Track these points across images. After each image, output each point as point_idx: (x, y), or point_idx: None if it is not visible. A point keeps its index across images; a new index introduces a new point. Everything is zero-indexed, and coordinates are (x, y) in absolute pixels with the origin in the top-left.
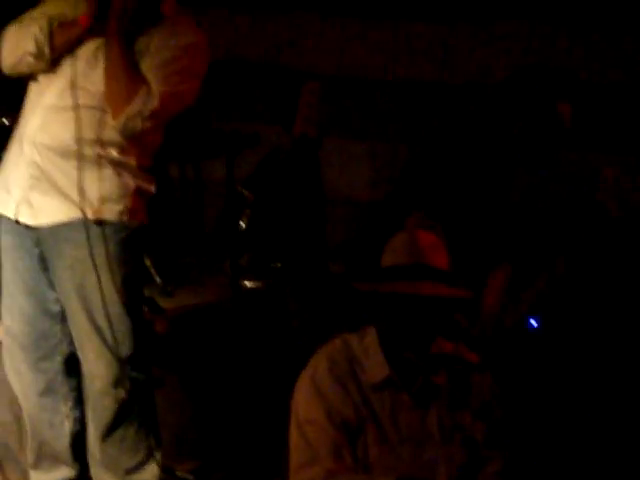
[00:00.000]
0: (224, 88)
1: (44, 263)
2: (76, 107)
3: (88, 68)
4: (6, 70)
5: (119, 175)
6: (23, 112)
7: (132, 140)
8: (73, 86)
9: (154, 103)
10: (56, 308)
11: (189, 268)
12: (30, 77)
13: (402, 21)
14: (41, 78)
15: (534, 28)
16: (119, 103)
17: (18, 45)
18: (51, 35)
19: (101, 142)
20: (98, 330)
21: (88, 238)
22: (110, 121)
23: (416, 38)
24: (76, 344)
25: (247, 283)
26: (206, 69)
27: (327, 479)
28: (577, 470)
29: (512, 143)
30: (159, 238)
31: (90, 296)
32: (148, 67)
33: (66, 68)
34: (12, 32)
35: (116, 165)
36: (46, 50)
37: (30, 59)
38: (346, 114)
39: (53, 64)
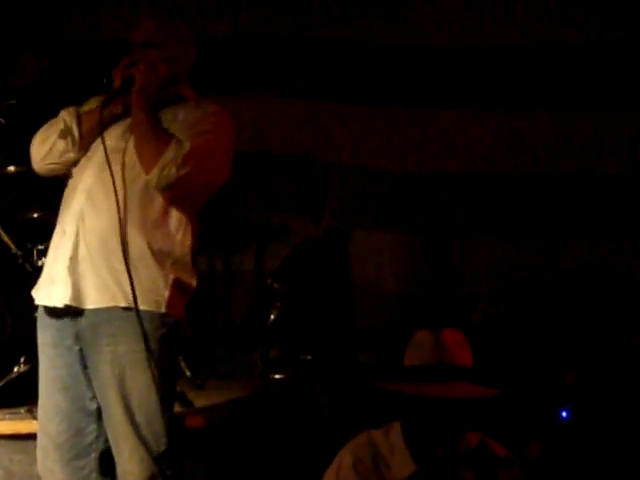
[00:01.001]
0: (253, 179)
1: (83, 360)
2: (115, 188)
3: (119, 143)
4: (37, 166)
5: (160, 265)
6: (63, 202)
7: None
8: (108, 164)
9: (186, 147)
10: (93, 405)
11: (219, 361)
12: (64, 177)
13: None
14: (76, 170)
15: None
16: (151, 156)
17: (48, 137)
18: (79, 119)
19: (144, 227)
20: (135, 426)
21: (128, 332)
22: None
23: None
24: (111, 441)
25: (277, 376)
26: (234, 144)
27: None
28: None
29: None
30: (188, 331)
31: (129, 392)
32: (176, 129)
33: (99, 152)
34: (42, 129)
35: (157, 254)
36: (75, 133)
37: (60, 146)
38: (373, 205)
39: (84, 150)
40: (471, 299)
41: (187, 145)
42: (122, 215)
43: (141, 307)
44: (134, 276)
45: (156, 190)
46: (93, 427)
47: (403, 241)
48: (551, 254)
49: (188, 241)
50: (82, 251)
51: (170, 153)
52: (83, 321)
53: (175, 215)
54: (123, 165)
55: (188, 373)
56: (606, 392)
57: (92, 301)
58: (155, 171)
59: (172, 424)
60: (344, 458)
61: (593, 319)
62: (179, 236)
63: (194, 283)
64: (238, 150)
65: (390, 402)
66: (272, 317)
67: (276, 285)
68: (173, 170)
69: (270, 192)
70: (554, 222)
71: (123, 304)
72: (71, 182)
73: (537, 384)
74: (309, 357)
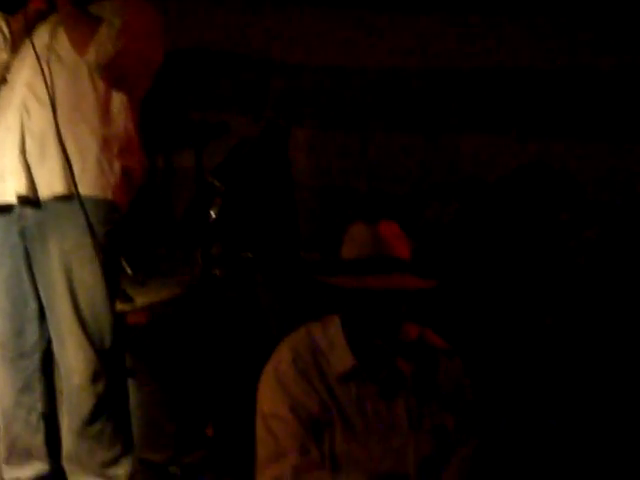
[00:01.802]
0: (193, 77)
1: (28, 259)
2: (52, 79)
3: (50, 38)
4: None
5: (107, 151)
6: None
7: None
8: (42, 59)
9: (117, 23)
10: (35, 305)
11: (159, 258)
12: None
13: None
14: (11, 73)
15: None
16: (84, 38)
17: None
18: (7, 21)
19: (87, 115)
20: (81, 323)
21: (75, 225)
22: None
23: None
24: (55, 339)
25: (218, 273)
26: (162, 27)
27: (294, 477)
28: (550, 457)
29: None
30: (129, 228)
31: (76, 288)
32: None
33: (31, 49)
34: None
35: (103, 141)
36: (5, 31)
37: None
38: (315, 103)
39: (15, 52)
40: (425, 196)
41: (118, 21)
42: (64, 104)
43: (89, 193)
44: (81, 164)
45: (96, 72)
46: (36, 327)
47: (343, 138)
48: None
49: (132, 128)
50: (29, 143)
51: (103, 30)
52: (30, 217)
53: (117, 100)
54: (58, 57)
55: (129, 271)
56: (543, 288)
57: (46, 189)
58: (91, 50)
59: (115, 321)
60: (283, 353)
61: (533, 218)
62: (122, 122)
63: (142, 173)
64: (178, 47)
65: (330, 297)
66: (212, 214)
67: (216, 182)
68: (109, 46)
69: (211, 90)
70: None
71: (70, 192)
72: (8, 83)
73: (480, 278)
74: (250, 254)
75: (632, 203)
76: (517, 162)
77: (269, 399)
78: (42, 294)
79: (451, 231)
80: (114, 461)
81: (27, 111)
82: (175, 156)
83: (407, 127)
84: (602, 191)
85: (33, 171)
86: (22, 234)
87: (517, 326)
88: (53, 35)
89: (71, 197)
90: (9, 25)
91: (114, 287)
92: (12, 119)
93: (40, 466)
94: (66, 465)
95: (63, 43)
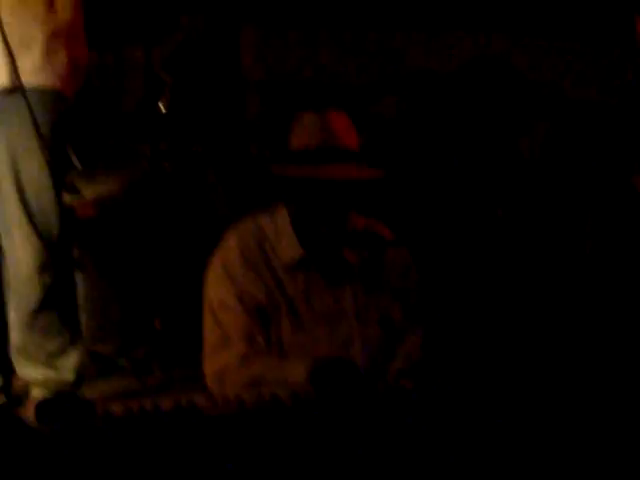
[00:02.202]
0: None
1: None
2: None
3: None
4: None
5: (50, 40)
6: None
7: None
8: None
9: None
10: None
11: (109, 151)
12: None
13: None
14: None
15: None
16: None
17: None
18: None
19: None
20: (28, 214)
21: (21, 114)
22: None
23: None
24: (3, 231)
25: (167, 166)
26: None
27: (241, 365)
28: (495, 345)
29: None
30: (78, 121)
31: (23, 179)
32: None
33: None
34: None
35: (50, 33)
36: None
37: None
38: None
39: None
40: (374, 89)
41: None
42: None
43: (34, 83)
44: (26, 54)
45: None
46: None
47: (292, 35)
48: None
49: (78, 17)
50: None
51: None
52: None
53: None
54: None
55: (77, 163)
56: (493, 180)
57: None
58: None
59: (63, 213)
60: (230, 242)
61: (482, 113)
62: (68, 11)
63: (86, 62)
64: None
65: (278, 187)
66: (162, 108)
67: (165, 76)
68: None
69: None
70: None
71: (14, 85)
72: None
73: (428, 171)
74: (199, 148)
75: (583, 99)
76: (467, 57)
77: (216, 288)
78: None
79: (399, 124)
80: (62, 351)
81: None
82: (125, 51)
83: (357, 24)
84: (556, 87)
85: None
86: None
87: (467, 217)
88: None
89: (16, 90)
90: None
91: (61, 179)
92: None
93: None
94: (14, 358)
95: None
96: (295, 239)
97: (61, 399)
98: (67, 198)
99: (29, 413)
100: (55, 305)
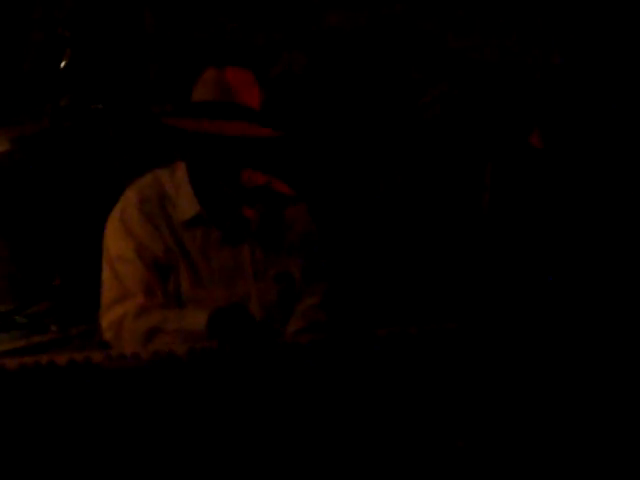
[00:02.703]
0: None
1: None
2: None
3: None
4: None
5: None
6: None
7: None
8: None
9: None
10: None
11: (5, 110)
12: None
13: None
14: None
15: None
16: None
17: None
18: None
19: None
20: None
21: None
22: None
23: None
24: None
25: (68, 124)
26: None
27: (139, 315)
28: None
29: None
30: None
31: None
32: None
33: None
34: None
35: None
36: None
37: None
38: None
39: None
40: (277, 46)
41: None
42: None
43: None
44: None
45: None
46: None
47: None
48: None
49: None
50: None
51: None
52: None
53: None
54: None
55: None
56: (394, 141)
57: None
58: None
59: None
60: (129, 196)
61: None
62: None
63: None
64: None
65: (177, 142)
66: (62, 64)
67: (65, 32)
68: None
69: None
70: None
71: None
72: None
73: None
74: (100, 106)
75: (486, 57)
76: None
77: (115, 242)
78: None
79: (302, 83)
80: None
81: None
82: (23, 5)
83: None
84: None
85: None
86: None
87: (365, 178)
88: None
89: None
90: None
91: None
92: None
93: None
94: None
95: None
96: (193, 195)
97: None
98: None
99: None
100: None
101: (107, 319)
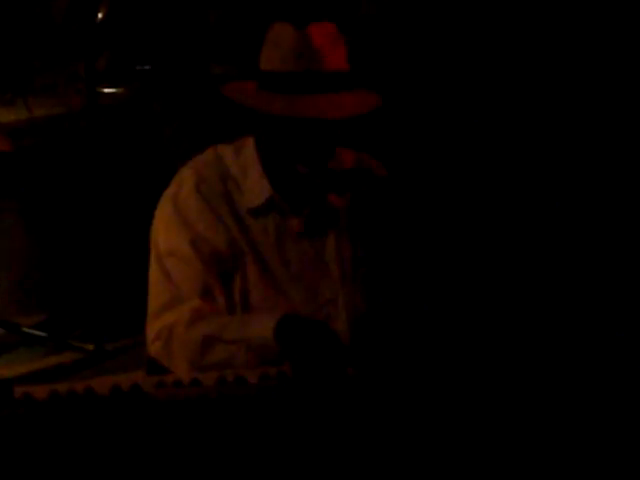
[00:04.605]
0: None
1: None
2: None
3: None
4: None
5: None
6: None
7: None
8: None
9: None
10: None
11: (33, 72)
12: None
13: None
14: None
15: None
16: None
17: None
18: None
19: None
20: None
21: None
22: None
23: None
24: None
25: (107, 90)
26: None
27: (193, 321)
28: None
29: None
30: None
31: None
32: None
33: None
34: None
35: None
36: None
37: None
38: None
39: None
40: None
41: None
42: None
43: None
44: None
45: None
46: None
47: None
48: None
49: None
50: None
51: None
52: None
53: None
54: None
55: None
56: None
57: None
58: None
59: None
60: (185, 177)
61: None
62: None
63: None
64: None
65: (246, 118)
66: (100, 15)
67: None
68: None
69: None
70: None
71: None
72: None
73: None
74: (147, 67)
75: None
76: None
77: (166, 233)
78: None
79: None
80: None
81: None
82: None
83: None
84: None
85: None
86: None
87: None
88: None
89: None
90: None
91: None
92: None
93: None
94: None
95: None
96: (264, 177)
97: None
98: None
99: None
100: None
101: (154, 328)
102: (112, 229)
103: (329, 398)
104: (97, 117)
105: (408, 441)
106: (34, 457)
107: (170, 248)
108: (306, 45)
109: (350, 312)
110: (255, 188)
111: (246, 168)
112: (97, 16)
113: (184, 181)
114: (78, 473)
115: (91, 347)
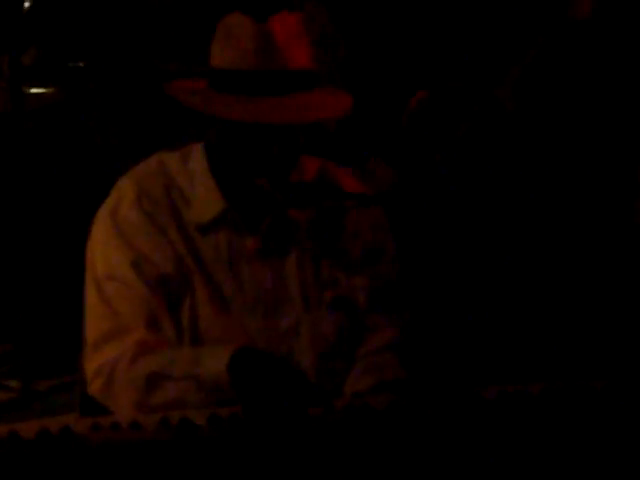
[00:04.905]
0: None
1: None
2: None
3: None
4: None
5: None
6: None
7: None
8: None
9: None
10: None
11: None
12: None
13: None
14: None
15: None
16: None
17: None
18: None
19: None
20: None
21: None
22: None
23: None
24: None
25: (34, 90)
26: None
27: (138, 356)
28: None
29: None
30: None
31: None
32: None
33: None
34: None
35: None
36: None
37: None
38: None
39: None
40: None
41: None
42: None
43: None
44: None
45: None
46: None
47: None
48: None
49: None
50: None
51: None
52: None
53: None
54: None
55: None
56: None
57: None
58: None
59: None
60: (124, 190)
61: None
62: None
63: None
64: None
65: (191, 121)
66: (27, 4)
67: None
68: None
69: None
70: None
71: None
72: None
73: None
74: (81, 64)
75: None
76: None
77: (104, 254)
78: None
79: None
80: None
81: None
82: None
83: None
84: None
85: None
86: None
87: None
88: None
89: None
90: None
91: None
92: None
93: None
94: None
95: None
96: (215, 187)
97: None
98: None
99: None
100: None
101: (94, 363)
102: (40, 249)
103: (287, 443)
104: (22, 121)
105: None
106: None
107: (109, 271)
108: (267, 40)
109: (315, 343)
110: (205, 200)
111: (194, 178)
112: (23, 5)
113: (123, 194)
114: None
115: (17, 385)
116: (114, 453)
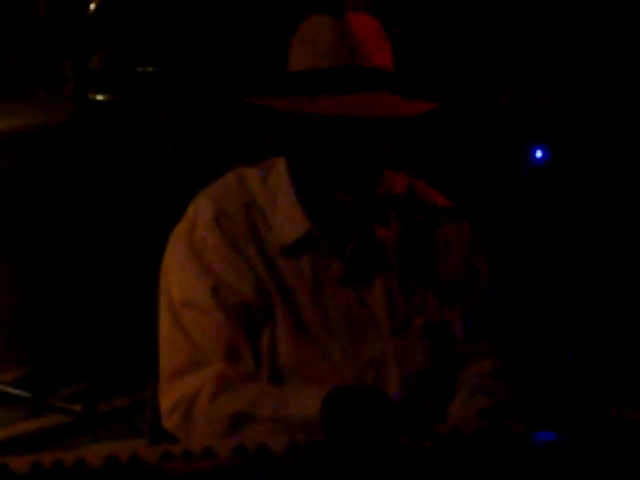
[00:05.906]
0: None
1: None
2: None
3: None
4: None
5: None
6: None
7: None
8: None
9: None
10: None
11: (14, 75)
12: None
13: None
14: None
15: None
16: None
17: None
18: None
19: None
20: None
21: None
22: None
23: None
24: None
25: (100, 97)
26: None
27: (219, 392)
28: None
29: None
30: None
31: None
32: None
33: None
34: None
35: None
36: None
37: None
38: None
39: None
40: None
41: None
42: None
43: None
44: None
45: None
46: None
47: None
48: None
49: None
50: None
51: None
52: None
53: None
54: None
55: None
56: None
57: None
58: None
59: None
60: (201, 209)
61: None
62: None
63: None
64: None
65: (273, 130)
66: (93, 5)
67: None
68: None
69: None
70: None
71: None
72: None
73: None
74: (150, 69)
75: None
76: None
77: (180, 280)
78: None
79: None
80: None
81: None
82: None
83: None
84: None
85: None
86: None
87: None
88: None
89: None
90: None
91: None
92: None
93: None
94: None
95: None
96: (299, 208)
97: None
98: None
99: None
100: None
101: (170, 397)
102: (107, 269)
103: (366, 471)
104: (87, 130)
105: None
106: None
107: (186, 298)
108: (349, 37)
109: (403, 373)
110: (288, 221)
111: (276, 196)
112: (89, 7)
113: (200, 214)
114: None
115: (79, 408)
116: None
